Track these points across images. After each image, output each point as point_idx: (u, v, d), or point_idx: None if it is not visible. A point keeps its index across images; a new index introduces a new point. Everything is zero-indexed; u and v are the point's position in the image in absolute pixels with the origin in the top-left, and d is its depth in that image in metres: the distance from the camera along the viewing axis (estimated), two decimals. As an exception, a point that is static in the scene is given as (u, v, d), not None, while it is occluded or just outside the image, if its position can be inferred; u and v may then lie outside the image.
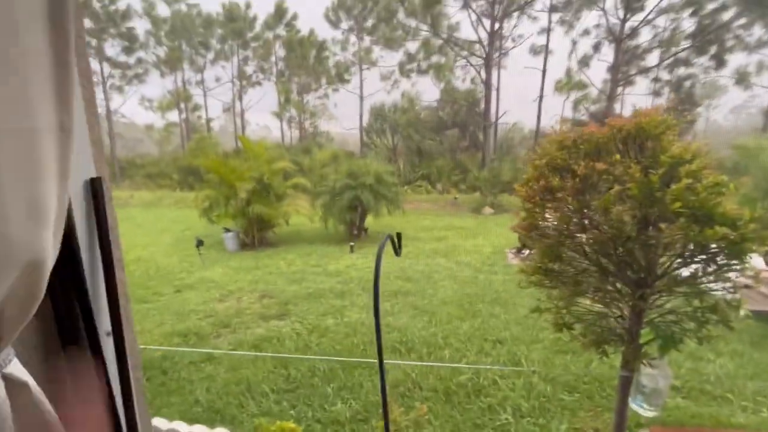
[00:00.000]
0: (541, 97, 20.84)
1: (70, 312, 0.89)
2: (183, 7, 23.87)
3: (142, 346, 4.14)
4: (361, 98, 26.20)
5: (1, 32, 0.41)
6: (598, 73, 21.10)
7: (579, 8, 19.69)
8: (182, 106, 27.12)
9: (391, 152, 23.53)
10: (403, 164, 21.02)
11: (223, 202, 9.39)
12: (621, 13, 17.10)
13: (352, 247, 9.13)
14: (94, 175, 0.89)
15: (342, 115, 28.85)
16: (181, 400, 3.45)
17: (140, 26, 25.95)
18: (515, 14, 18.46)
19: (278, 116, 24.81)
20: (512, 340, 4.42)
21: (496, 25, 18.43)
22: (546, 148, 1.70)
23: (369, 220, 10.90)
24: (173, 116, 28.28)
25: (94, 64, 24.89)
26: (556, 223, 1.67)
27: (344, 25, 25.74)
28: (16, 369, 0.47)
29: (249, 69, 25.27)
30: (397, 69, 24.81)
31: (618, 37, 17.29)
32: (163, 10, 24.61)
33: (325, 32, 25.16)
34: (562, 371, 3.77)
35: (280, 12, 23.01)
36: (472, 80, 21.73)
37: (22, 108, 0.44)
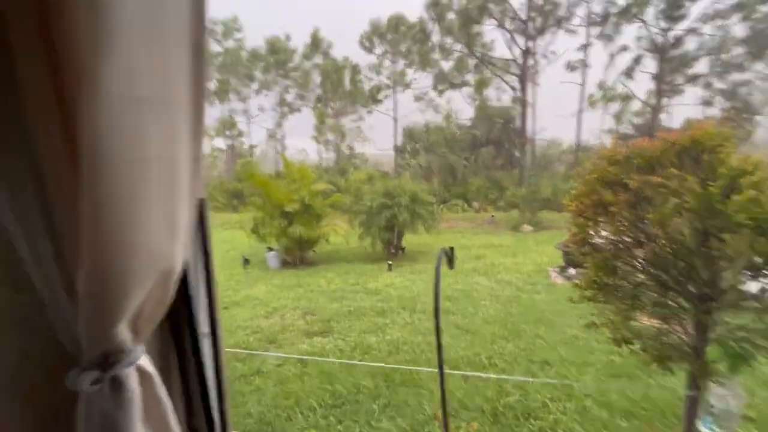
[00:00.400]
0: (580, 111, 20.36)
1: (177, 314, 1.03)
2: (231, 43, 25.80)
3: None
4: (395, 120, 26.76)
5: (164, 77, 0.47)
6: (640, 85, 20.33)
7: (618, 21, 19.31)
8: (227, 133, 28.90)
9: (426, 171, 23.64)
10: (438, 183, 21.03)
11: (268, 222, 9.81)
12: (662, 23, 16.56)
13: (390, 265, 9.20)
14: (202, 197, 1.05)
15: (376, 137, 29.45)
16: (234, 411, 3.60)
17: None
18: (551, 30, 18.39)
19: (316, 140, 25.85)
20: (560, 362, 4.26)
21: (530, 43, 18.42)
22: (596, 162, 1.72)
23: (406, 239, 10.96)
24: (218, 143, 30.14)
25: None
26: (610, 237, 1.66)
27: (378, 50, 26.70)
28: (146, 362, 0.52)
29: (289, 96, 26.67)
30: (431, 89, 25.25)
31: (661, 47, 16.69)
32: (214, 46, 26.66)
33: (360, 58, 26.10)
34: (618, 396, 3.58)
35: (316, 42, 24.30)
36: (513, 99, 21.64)
37: (170, 138, 0.52)
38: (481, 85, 21.78)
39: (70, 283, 0.44)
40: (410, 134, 25.26)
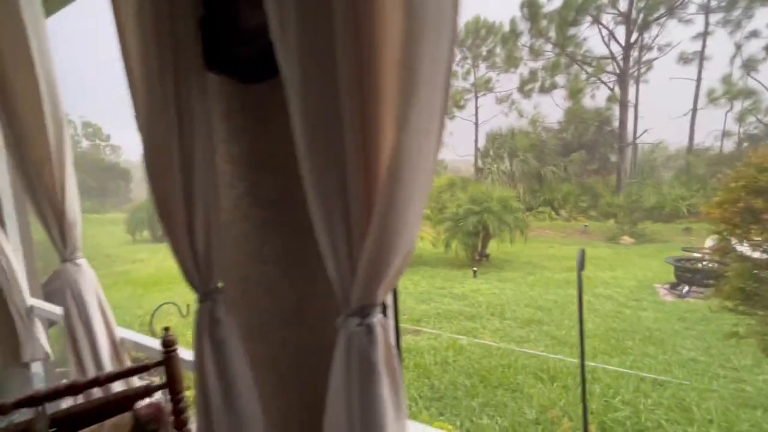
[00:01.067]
0: (695, 110, 17.98)
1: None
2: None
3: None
4: (476, 125, 26.31)
5: (432, 114, 0.58)
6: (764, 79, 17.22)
7: (749, 5, 16.75)
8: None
9: (509, 177, 22.83)
10: (523, 190, 20.16)
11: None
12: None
13: (475, 272, 9.16)
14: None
15: (456, 143, 29.20)
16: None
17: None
18: (662, 20, 16.55)
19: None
20: (677, 385, 3.93)
21: (634, 36, 16.80)
22: (741, 170, 1.68)
23: (490, 247, 10.78)
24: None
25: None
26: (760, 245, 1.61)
27: (457, 55, 26.56)
28: (380, 319, 0.66)
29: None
30: (516, 91, 24.39)
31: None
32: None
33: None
34: (750, 427, 3.22)
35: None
36: (609, 99, 19.94)
37: (429, 156, 0.62)
38: (573, 85, 20.42)
39: (353, 258, 0.61)
40: (493, 139, 24.62)
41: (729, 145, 19.54)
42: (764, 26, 16.78)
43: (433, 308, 6.72)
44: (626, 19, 16.93)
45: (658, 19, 16.71)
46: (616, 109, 20.24)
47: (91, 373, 1.47)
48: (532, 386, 3.96)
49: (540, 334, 5.40)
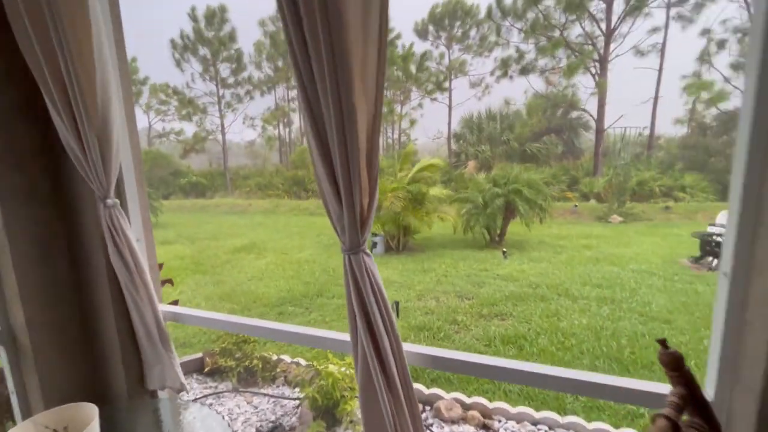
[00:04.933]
0: (656, 98, 19.40)
1: None
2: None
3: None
4: (450, 107, 26.38)
5: None
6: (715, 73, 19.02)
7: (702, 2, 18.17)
8: (280, 121, 29.29)
9: (483, 161, 23.23)
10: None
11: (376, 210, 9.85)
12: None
13: (504, 252, 9.09)
14: None
15: (427, 125, 29.15)
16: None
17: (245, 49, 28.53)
18: (632, 13, 17.46)
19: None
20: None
21: (612, 25, 17.58)
22: None
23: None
24: (272, 132, 30.60)
25: (212, 86, 27.84)
26: None
27: (431, 36, 26.24)
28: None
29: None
30: (489, 75, 24.70)
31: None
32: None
33: (414, 45, 25.73)
34: None
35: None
36: (568, 86, 20.81)
37: None
38: (573, 65, 20.70)
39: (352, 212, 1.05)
40: (467, 122, 24.83)
41: (682, 131, 21.49)
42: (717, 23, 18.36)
43: (493, 290, 6.50)
44: (608, 7, 17.61)
45: (636, 9, 17.57)
46: (583, 94, 21.26)
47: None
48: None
49: (625, 311, 5.39)
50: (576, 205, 14.76)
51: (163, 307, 1.85)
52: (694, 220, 12.96)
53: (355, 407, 2.98)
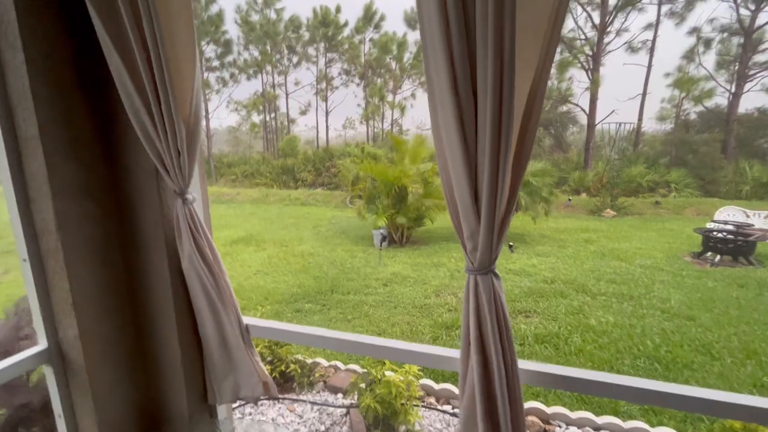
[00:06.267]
0: (644, 94, 19.80)
1: None
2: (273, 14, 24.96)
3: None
4: (440, 98, 26.19)
5: None
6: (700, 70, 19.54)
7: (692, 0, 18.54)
8: (268, 107, 28.36)
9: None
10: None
11: (382, 201, 9.65)
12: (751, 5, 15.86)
13: (511, 246, 9.08)
14: None
15: (415, 116, 28.96)
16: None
17: (232, 33, 27.35)
18: (640, 5, 17.60)
19: (366, 117, 25.36)
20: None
21: (607, 20, 17.71)
22: None
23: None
24: (255, 118, 29.64)
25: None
26: None
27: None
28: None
29: (333, 71, 25.99)
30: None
31: (748, 30, 16.06)
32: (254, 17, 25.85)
33: (407, 34, 25.29)
34: None
35: (368, 15, 23.47)
36: (569, 78, 20.96)
37: None
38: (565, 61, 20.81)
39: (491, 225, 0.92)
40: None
41: (666, 127, 22.07)
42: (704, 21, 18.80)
43: (510, 287, 6.44)
44: (603, 2, 17.70)
45: (628, 5, 17.74)
46: (577, 89, 21.47)
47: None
48: (708, 370, 3.91)
49: (647, 308, 5.43)
50: (570, 199, 14.96)
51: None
52: (683, 215, 13.37)
53: (415, 419, 2.82)
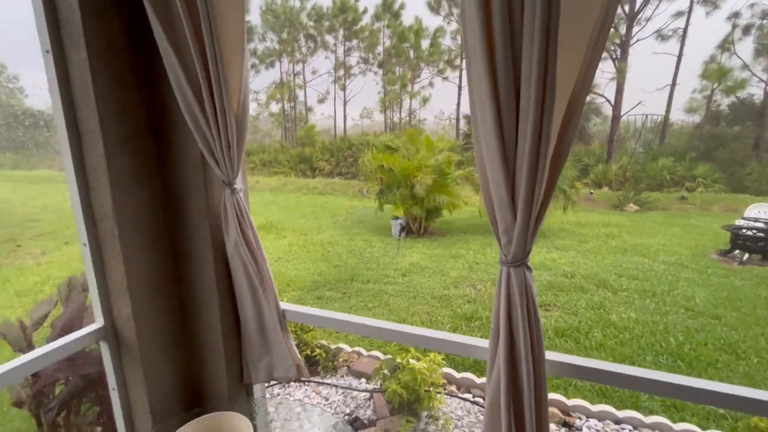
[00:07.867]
0: (673, 84, 19.05)
1: None
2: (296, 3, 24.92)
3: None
4: (459, 87, 25.81)
5: None
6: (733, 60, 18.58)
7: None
8: (286, 96, 28.53)
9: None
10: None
11: (399, 191, 9.67)
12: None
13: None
14: None
15: (432, 106, 28.60)
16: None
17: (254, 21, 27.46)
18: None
19: (384, 106, 25.25)
20: None
21: (636, 8, 17.03)
22: None
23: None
24: (274, 107, 29.88)
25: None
26: None
27: (443, 11, 25.36)
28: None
29: (352, 60, 25.88)
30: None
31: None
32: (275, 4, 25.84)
33: (427, 20, 24.84)
34: None
35: (387, 2, 23.17)
36: (616, 68, 20.24)
37: None
38: None
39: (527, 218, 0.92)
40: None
41: (696, 120, 21.22)
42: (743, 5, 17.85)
43: (530, 280, 6.41)
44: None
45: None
46: (601, 79, 20.78)
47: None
48: (732, 369, 3.85)
49: (670, 305, 5.34)
50: (591, 192, 14.64)
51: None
52: (710, 212, 12.95)
53: (438, 405, 2.89)
